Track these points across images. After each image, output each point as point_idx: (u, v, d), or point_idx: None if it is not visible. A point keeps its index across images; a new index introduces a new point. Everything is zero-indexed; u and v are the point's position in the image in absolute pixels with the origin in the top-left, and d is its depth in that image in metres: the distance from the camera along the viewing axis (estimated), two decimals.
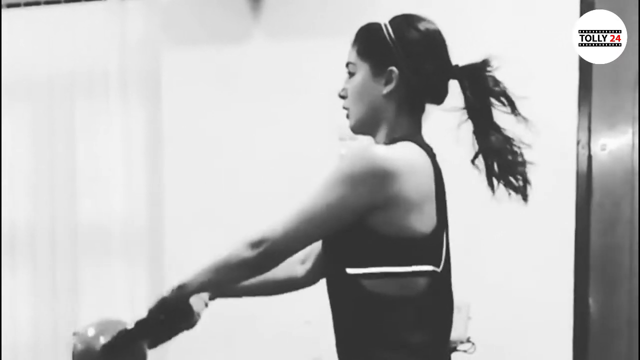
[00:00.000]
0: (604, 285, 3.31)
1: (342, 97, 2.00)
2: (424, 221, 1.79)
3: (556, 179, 3.28)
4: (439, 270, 1.83)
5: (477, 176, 3.44)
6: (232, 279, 1.95)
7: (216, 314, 3.46)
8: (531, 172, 3.20)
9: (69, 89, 3.89)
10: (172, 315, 1.92)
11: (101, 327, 1.96)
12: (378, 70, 1.91)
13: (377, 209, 1.75)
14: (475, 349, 2.92)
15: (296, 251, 1.85)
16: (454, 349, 2.92)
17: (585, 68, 3.26)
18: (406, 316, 1.80)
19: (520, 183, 1.92)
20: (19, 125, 3.97)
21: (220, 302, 3.47)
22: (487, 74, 1.92)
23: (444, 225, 1.86)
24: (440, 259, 1.85)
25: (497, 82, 1.92)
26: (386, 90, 1.90)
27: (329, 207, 1.77)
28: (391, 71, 1.89)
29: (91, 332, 1.95)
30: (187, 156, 3.70)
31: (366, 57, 1.93)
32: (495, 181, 1.92)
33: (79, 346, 1.94)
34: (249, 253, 1.81)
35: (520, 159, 1.92)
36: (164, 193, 3.74)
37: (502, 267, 3.32)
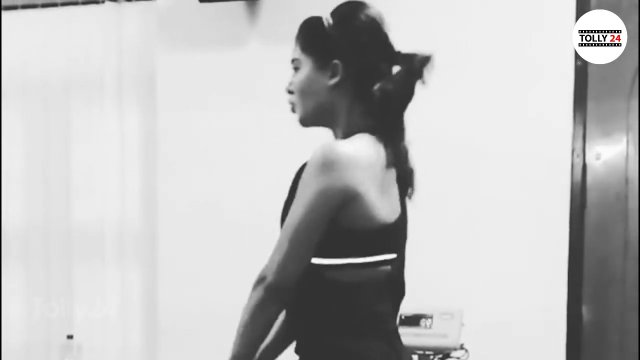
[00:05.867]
0: (598, 294, 3.31)
1: (290, 92, 1.98)
2: (387, 211, 1.81)
3: (550, 187, 3.28)
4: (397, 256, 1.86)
5: (475, 179, 3.42)
6: (262, 325, 1.86)
7: (209, 313, 3.46)
8: (526, 181, 3.20)
9: (65, 92, 3.89)
10: None
11: None
12: (322, 64, 1.90)
13: (343, 203, 1.75)
14: (468, 355, 2.92)
15: (300, 269, 1.80)
16: (448, 356, 2.92)
17: (580, 75, 3.26)
18: (361, 302, 1.82)
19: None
20: (14, 126, 3.96)
21: (214, 299, 3.46)
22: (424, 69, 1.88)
23: (405, 211, 1.88)
24: (402, 246, 1.88)
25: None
26: (332, 82, 1.89)
27: (310, 214, 1.76)
28: (335, 64, 1.89)
29: None
30: (181, 159, 3.70)
31: (309, 52, 1.93)
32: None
33: None
34: (260, 291, 1.80)
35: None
36: (157, 196, 3.74)
37: (496, 274, 3.32)
